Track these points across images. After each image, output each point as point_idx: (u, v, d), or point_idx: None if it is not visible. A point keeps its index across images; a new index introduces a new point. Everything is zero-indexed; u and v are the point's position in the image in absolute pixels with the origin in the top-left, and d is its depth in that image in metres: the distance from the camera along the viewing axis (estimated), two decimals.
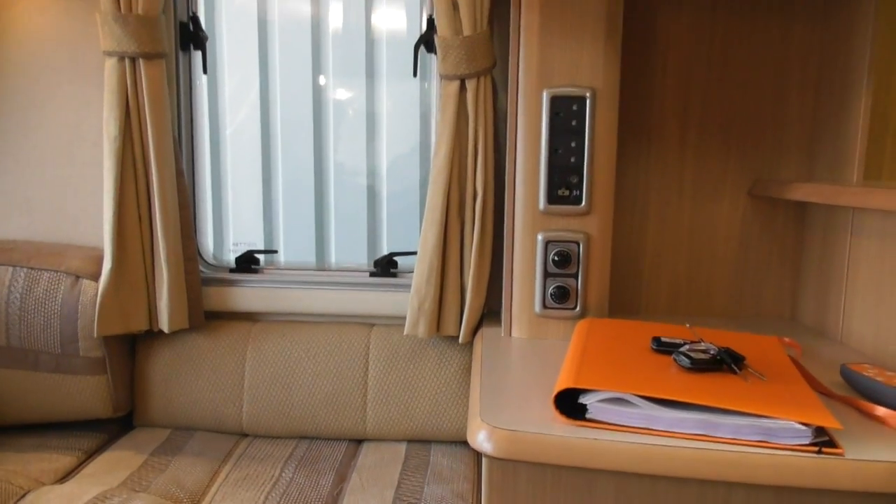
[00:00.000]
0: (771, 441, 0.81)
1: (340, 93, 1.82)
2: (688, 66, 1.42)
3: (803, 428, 0.80)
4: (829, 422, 0.79)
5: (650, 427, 0.85)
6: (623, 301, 1.50)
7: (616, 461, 0.83)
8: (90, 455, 1.52)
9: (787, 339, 1.21)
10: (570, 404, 0.89)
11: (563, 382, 0.89)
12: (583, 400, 0.88)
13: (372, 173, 1.83)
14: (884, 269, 1.15)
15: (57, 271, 1.54)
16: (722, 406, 0.82)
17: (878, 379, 0.94)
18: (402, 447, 1.56)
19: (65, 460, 1.47)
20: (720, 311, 1.49)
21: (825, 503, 0.81)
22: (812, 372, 1.03)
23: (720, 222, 1.46)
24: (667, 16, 1.41)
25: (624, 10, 1.23)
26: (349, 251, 1.87)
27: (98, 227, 1.61)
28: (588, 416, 0.87)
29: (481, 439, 0.87)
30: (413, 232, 1.82)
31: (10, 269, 1.54)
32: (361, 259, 1.86)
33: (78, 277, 1.54)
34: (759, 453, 0.80)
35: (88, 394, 1.55)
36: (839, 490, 0.79)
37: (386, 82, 1.80)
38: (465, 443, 1.56)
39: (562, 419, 0.87)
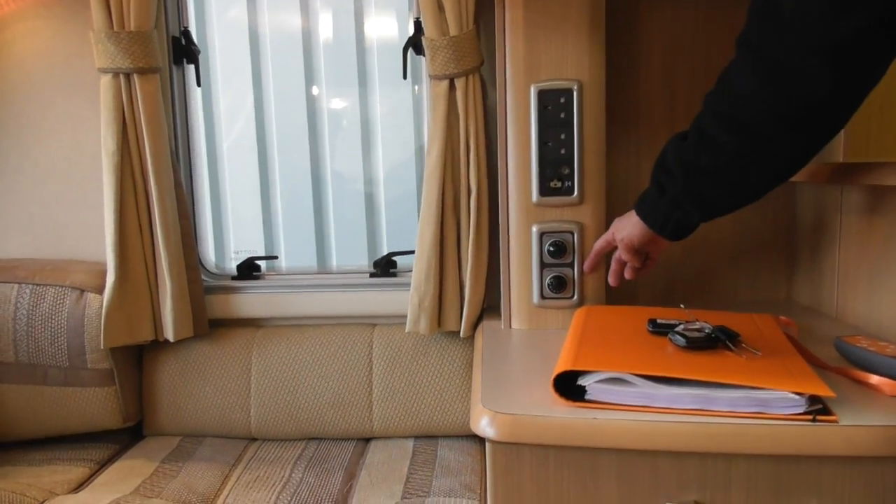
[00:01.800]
0: (767, 412, 0.83)
1: (334, 101, 1.85)
2: (672, 55, 1.44)
3: (797, 397, 0.82)
4: (823, 390, 0.80)
5: (648, 404, 0.87)
6: (620, 290, 1.51)
7: (617, 439, 0.85)
8: (102, 465, 1.54)
9: (782, 318, 1.23)
10: (569, 387, 0.91)
11: (561, 365, 0.91)
12: (581, 382, 0.90)
13: (369, 179, 1.85)
14: (873, 245, 1.17)
15: (62, 286, 1.57)
16: (717, 380, 0.84)
17: (871, 349, 0.96)
18: (410, 443, 1.58)
19: (77, 471, 1.49)
20: (717, 295, 1.51)
21: (823, 469, 0.82)
22: (808, 347, 1.05)
23: None
24: (649, 8, 1.44)
25: (606, 3, 1.26)
26: (349, 257, 1.89)
27: (100, 241, 1.63)
28: (587, 397, 0.89)
29: (484, 424, 0.89)
30: (412, 235, 1.84)
31: (16, 286, 1.57)
32: (362, 264, 1.88)
33: (82, 291, 1.56)
34: (756, 424, 0.81)
35: (98, 405, 1.58)
36: (835, 456, 0.81)
37: (379, 89, 1.82)
38: (471, 436, 1.58)
39: (561, 401, 0.89)
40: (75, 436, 1.62)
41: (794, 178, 1.24)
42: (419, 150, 1.83)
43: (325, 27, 1.82)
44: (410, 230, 1.84)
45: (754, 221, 1.47)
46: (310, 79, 1.84)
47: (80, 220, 1.69)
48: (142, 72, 1.49)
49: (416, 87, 1.80)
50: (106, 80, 1.50)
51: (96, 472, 1.51)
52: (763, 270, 1.49)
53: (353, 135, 1.85)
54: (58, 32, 1.63)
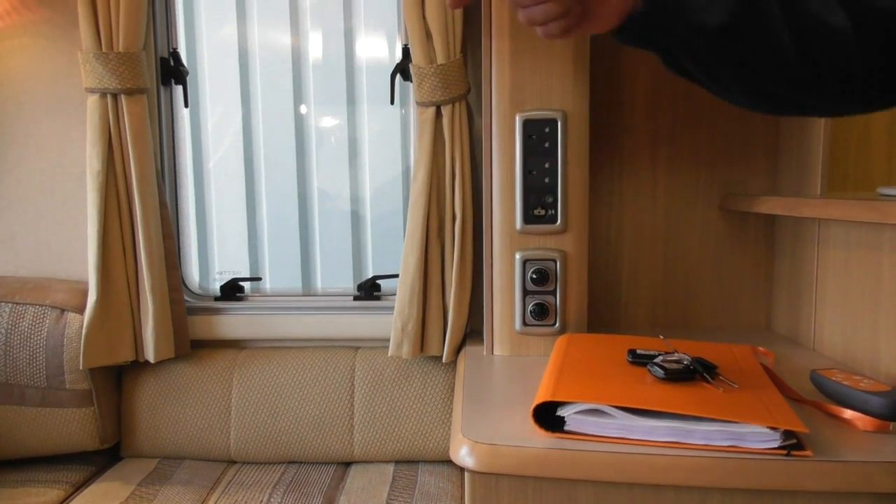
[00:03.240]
0: (741, 446, 0.84)
1: (322, 121, 1.86)
2: (656, 86, 1.47)
3: (772, 432, 0.82)
4: (797, 425, 0.81)
5: (626, 436, 0.87)
6: (603, 317, 1.53)
7: (594, 471, 0.85)
8: (78, 488, 1.51)
9: (760, 349, 1.24)
10: (548, 417, 0.91)
11: (541, 396, 0.91)
12: (561, 412, 0.90)
13: (356, 199, 1.86)
14: (850, 278, 1.19)
15: (42, 305, 1.56)
16: (693, 413, 0.85)
17: (845, 383, 0.98)
18: (390, 468, 1.57)
19: (52, 494, 1.46)
20: (698, 324, 1.52)
21: None
22: (784, 379, 1.06)
23: (694, 237, 1.50)
24: None
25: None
26: (335, 278, 1.89)
27: (82, 261, 1.63)
28: (566, 427, 0.90)
29: (463, 454, 0.89)
30: (397, 256, 1.84)
31: None
32: (347, 285, 1.88)
33: (63, 311, 1.55)
34: (731, 458, 0.82)
35: (75, 426, 1.56)
36: (808, 491, 0.82)
37: (367, 110, 1.84)
38: (451, 461, 1.58)
39: (541, 432, 0.90)
40: (51, 457, 1.60)
41: (770, 211, 1.26)
42: (406, 171, 1.84)
43: (314, 47, 1.83)
44: (396, 251, 1.85)
45: (734, 251, 1.49)
46: (298, 98, 1.85)
47: (62, 239, 1.68)
48: (129, 92, 1.50)
49: (404, 110, 1.81)
50: (93, 100, 1.50)
51: (72, 494, 1.48)
52: (743, 299, 1.51)
53: (340, 154, 1.85)
54: (46, 51, 1.63)
